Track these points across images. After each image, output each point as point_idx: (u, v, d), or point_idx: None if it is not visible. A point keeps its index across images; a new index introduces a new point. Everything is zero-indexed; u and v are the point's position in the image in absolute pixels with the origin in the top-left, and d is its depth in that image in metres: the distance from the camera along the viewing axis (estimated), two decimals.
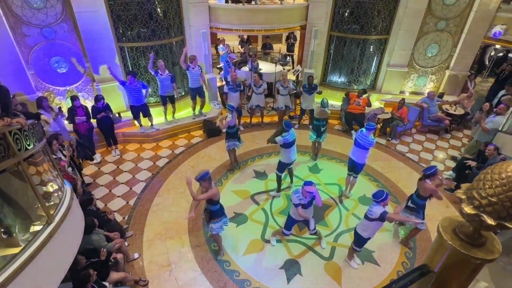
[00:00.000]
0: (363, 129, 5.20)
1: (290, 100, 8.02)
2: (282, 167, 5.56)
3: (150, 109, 7.31)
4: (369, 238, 4.16)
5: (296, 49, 12.18)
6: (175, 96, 7.57)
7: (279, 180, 5.75)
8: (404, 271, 4.58)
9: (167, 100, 7.36)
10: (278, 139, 5.14)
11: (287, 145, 5.22)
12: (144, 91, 6.88)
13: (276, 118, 8.62)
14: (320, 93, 7.71)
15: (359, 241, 4.23)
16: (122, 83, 6.67)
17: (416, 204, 4.43)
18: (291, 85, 7.83)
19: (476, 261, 1.34)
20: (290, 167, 5.74)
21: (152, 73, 6.93)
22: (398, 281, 1.37)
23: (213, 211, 4.23)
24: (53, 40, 6.39)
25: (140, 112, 7.13)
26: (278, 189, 5.88)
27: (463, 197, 1.29)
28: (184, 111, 8.49)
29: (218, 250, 4.70)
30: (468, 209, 1.25)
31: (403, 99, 7.84)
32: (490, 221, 1.18)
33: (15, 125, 2.62)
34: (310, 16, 8.71)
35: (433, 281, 1.48)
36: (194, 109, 7.98)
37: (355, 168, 5.53)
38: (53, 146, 4.74)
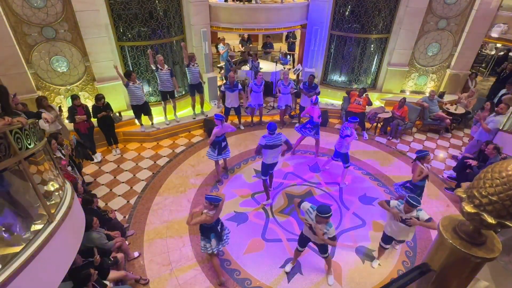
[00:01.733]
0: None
1: (291, 99, 8.01)
2: (264, 168, 5.30)
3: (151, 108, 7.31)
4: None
5: (297, 48, 12.18)
6: (175, 95, 7.57)
7: (265, 186, 5.49)
8: (404, 269, 4.58)
9: (167, 96, 7.37)
10: (260, 139, 4.97)
11: (268, 146, 4.99)
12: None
13: (277, 117, 8.61)
14: (318, 94, 7.68)
15: (383, 237, 4.35)
16: (126, 84, 6.66)
17: (412, 184, 4.82)
18: (292, 84, 7.81)
19: (476, 260, 1.34)
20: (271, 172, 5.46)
21: (153, 68, 6.92)
22: (398, 280, 1.36)
23: (200, 226, 3.90)
24: (54, 39, 6.39)
25: (141, 111, 7.13)
26: (268, 196, 5.62)
27: (464, 195, 1.29)
28: (185, 110, 8.50)
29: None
30: (468, 208, 1.25)
31: (404, 98, 7.82)
32: (490, 220, 1.18)
33: (16, 124, 2.62)
34: (310, 15, 8.70)
35: (433, 280, 1.48)
36: (193, 107, 7.98)
37: (339, 155, 5.91)
38: (52, 146, 4.74)
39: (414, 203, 3.77)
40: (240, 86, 7.47)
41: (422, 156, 4.63)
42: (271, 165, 5.32)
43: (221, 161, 6.18)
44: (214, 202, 3.65)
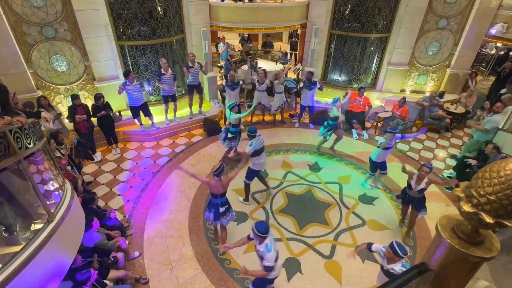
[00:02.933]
0: (386, 135, 5.38)
1: (291, 99, 7.98)
2: (252, 175, 5.36)
3: (150, 108, 7.31)
4: None
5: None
6: (176, 97, 7.56)
7: (247, 189, 5.52)
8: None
9: (168, 100, 7.36)
10: (248, 149, 4.96)
11: (257, 152, 5.05)
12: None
13: (278, 117, 8.56)
14: (321, 89, 7.67)
15: None
16: (123, 84, 6.64)
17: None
18: (291, 83, 7.79)
19: (474, 259, 1.34)
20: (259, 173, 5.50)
21: (159, 78, 6.93)
22: (397, 279, 1.37)
23: (209, 200, 4.41)
24: (53, 38, 6.39)
25: (141, 111, 7.13)
26: (246, 198, 5.64)
27: (462, 195, 1.30)
28: (185, 110, 8.49)
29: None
30: (466, 207, 1.25)
31: (404, 98, 7.82)
32: (489, 220, 1.18)
33: (15, 123, 2.62)
34: (310, 14, 8.69)
35: (431, 279, 1.49)
36: (191, 106, 7.95)
37: (382, 166, 5.80)
38: (51, 145, 4.73)
39: (399, 251, 2.97)
40: (241, 83, 7.45)
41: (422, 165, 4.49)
42: (258, 172, 5.40)
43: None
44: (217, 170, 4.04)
